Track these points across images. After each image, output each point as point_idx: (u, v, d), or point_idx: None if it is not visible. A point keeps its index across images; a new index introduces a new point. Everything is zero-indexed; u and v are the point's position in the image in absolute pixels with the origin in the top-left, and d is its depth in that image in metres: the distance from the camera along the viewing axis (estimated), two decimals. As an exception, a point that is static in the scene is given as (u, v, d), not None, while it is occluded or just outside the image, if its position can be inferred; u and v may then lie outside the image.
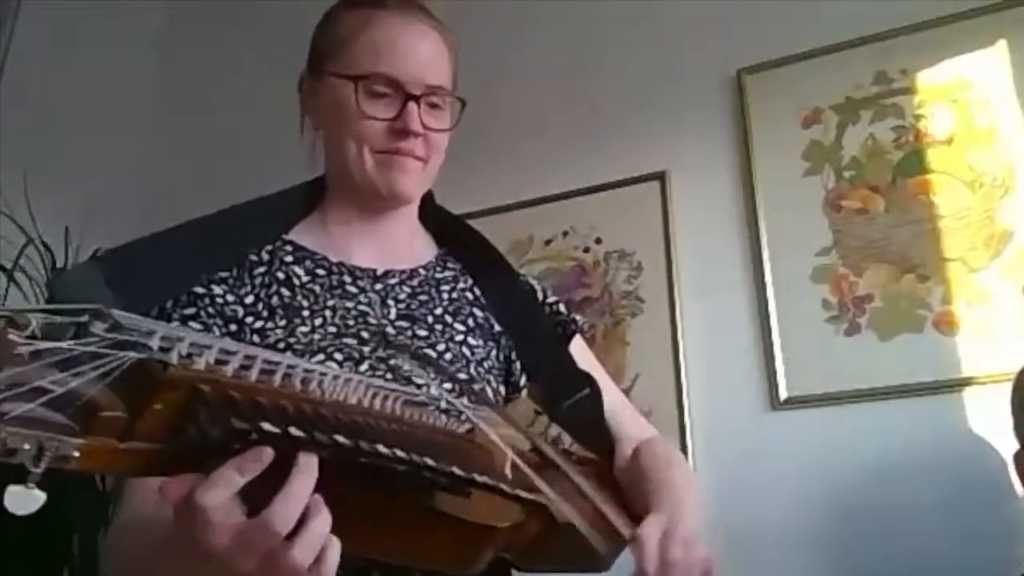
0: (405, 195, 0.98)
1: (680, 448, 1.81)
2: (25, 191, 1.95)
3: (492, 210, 1.98)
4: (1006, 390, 1.47)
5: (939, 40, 1.90)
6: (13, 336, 0.46)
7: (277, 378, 0.58)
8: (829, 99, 1.96)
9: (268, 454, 0.53)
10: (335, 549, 0.58)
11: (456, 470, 0.65)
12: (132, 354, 0.48)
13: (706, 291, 1.95)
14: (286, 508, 0.55)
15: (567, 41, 2.26)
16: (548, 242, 2.11)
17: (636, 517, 0.91)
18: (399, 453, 0.60)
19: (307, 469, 0.55)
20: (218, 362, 0.54)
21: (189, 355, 0.52)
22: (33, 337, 0.46)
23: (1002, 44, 1.86)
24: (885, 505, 1.67)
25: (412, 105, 0.93)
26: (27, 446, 0.46)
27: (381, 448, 0.59)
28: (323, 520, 0.57)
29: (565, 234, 2.10)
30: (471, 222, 1.13)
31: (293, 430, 0.54)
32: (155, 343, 0.50)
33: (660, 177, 2.05)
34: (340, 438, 0.57)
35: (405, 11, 0.97)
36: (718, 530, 1.75)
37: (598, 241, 2.07)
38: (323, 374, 0.63)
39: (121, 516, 0.79)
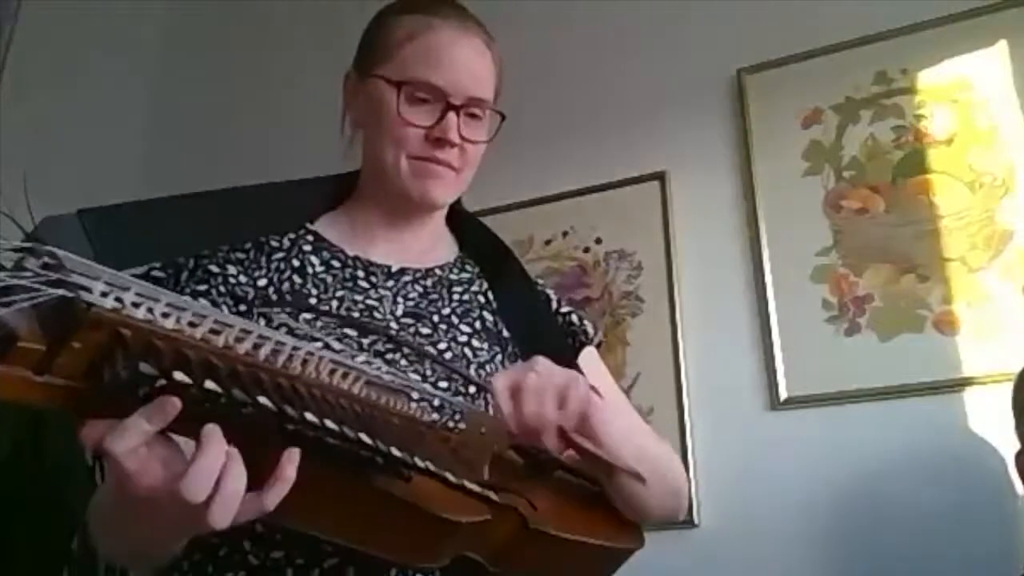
0: (436, 203, 1.00)
1: (680, 448, 1.81)
2: (25, 191, 1.95)
3: (492, 210, 1.98)
4: (1006, 390, 1.47)
5: (939, 40, 1.90)
6: None
7: (223, 338, 0.57)
8: (829, 99, 1.96)
9: (174, 404, 0.53)
10: (247, 508, 0.58)
11: (394, 451, 0.63)
12: (60, 291, 0.49)
13: (706, 291, 1.95)
14: (189, 483, 0.55)
15: (566, 42, 2.26)
16: (548, 242, 2.11)
17: (627, 526, 0.91)
18: (329, 424, 0.59)
19: (213, 440, 0.55)
20: (163, 316, 0.54)
21: (134, 304, 0.52)
22: None
23: (1002, 44, 1.86)
24: (885, 505, 1.66)
25: (451, 115, 0.94)
26: None
27: (309, 416, 0.57)
28: (235, 477, 0.56)
29: (565, 234, 2.10)
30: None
31: (209, 383, 0.53)
32: (98, 287, 0.50)
33: (660, 177, 2.05)
34: (263, 399, 0.55)
35: (458, 21, 0.98)
36: (718, 530, 1.77)
37: (598, 241, 2.07)
38: (281, 343, 0.61)
39: None
